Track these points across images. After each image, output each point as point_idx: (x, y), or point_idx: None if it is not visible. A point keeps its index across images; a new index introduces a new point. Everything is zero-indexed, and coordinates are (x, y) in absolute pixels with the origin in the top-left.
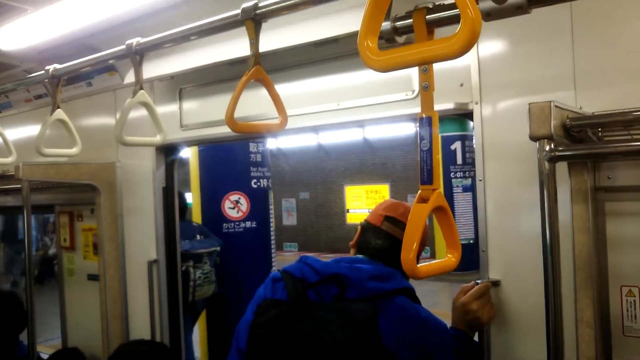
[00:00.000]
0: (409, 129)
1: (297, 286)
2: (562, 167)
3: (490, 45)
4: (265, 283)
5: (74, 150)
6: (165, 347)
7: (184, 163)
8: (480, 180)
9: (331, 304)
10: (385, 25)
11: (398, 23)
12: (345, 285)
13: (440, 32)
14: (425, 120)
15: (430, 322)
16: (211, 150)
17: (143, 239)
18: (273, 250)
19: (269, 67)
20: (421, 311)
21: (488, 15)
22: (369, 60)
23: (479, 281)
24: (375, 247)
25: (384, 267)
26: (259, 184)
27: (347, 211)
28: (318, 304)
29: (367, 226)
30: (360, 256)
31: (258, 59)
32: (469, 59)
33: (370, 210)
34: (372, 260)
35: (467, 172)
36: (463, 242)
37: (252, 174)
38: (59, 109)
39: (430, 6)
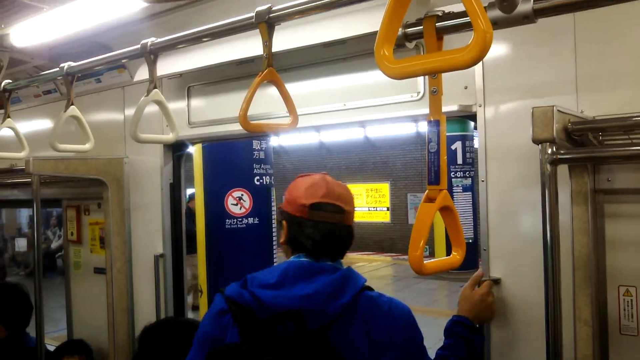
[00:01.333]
0: (410, 129)
1: (249, 322)
2: (562, 169)
3: (495, 49)
4: (209, 315)
5: (87, 147)
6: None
7: (188, 159)
8: (482, 180)
9: (301, 343)
10: None
11: (409, 30)
12: (303, 318)
13: (448, 38)
14: (433, 123)
15: (394, 312)
16: (215, 147)
17: (150, 234)
18: (275, 247)
19: (278, 67)
20: (383, 305)
21: (495, 24)
22: (385, 68)
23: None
24: (314, 241)
25: (333, 268)
26: (261, 181)
27: None
28: (282, 343)
29: (293, 220)
30: (304, 259)
31: (271, 60)
32: None
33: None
34: (317, 263)
35: (467, 172)
36: None
37: (255, 171)
38: (72, 106)
39: (440, 14)
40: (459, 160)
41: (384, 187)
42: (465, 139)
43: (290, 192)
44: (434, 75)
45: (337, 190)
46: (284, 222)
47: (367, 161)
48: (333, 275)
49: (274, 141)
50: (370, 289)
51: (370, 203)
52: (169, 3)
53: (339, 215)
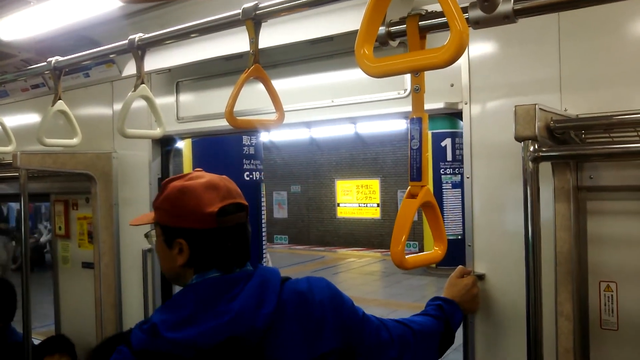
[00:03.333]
0: (400, 125)
1: None
2: (546, 167)
3: (481, 47)
4: None
5: (75, 141)
6: None
7: (177, 154)
8: (467, 177)
9: None
10: (380, 30)
11: (392, 28)
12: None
13: (432, 37)
14: (415, 121)
15: (315, 291)
16: (205, 142)
17: (138, 228)
18: (264, 243)
19: (265, 63)
20: (304, 289)
21: (477, 24)
22: (365, 67)
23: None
24: (228, 250)
25: (246, 275)
26: (251, 176)
27: (338, 205)
28: None
29: (197, 235)
30: (213, 275)
31: (257, 57)
32: (459, 60)
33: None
34: (229, 276)
35: (457, 169)
36: (451, 237)
37: (244, 166)
38: (60, 100)
39: (423, 13)
40: (449, 157)
41: (375, 184)
42: (455, 136)
43: (180, 203)
44: (416, 73)
45: (231, 187)
46: (180, 241)
47: (358, 157)
48: (250, 284)
49: (265, 137)
50: (287, 279)
51: (360, 199)
52: (146, 3)
53: (243, 213)
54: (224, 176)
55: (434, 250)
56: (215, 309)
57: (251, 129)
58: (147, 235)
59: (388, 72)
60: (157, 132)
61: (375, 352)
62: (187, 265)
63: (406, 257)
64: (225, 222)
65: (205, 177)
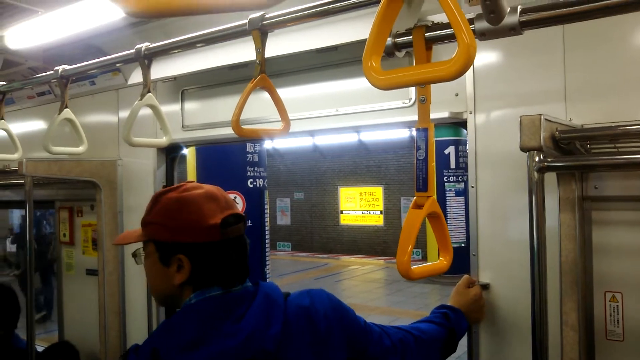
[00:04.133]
0: (404, 133)
1: None
2: (551, 176)
3: (485, 57)
4: None
5: (81, 149)
6: None
7: (182, 161)
8: (472, 186)
9: None
10: (386, 41)
11: (398, 40)
12: None
13: (441, 47)
14: (421, 131)
15: (317, 304)
16: (209, 149)
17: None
18: (267, 249)
19: (271, 72)
20: (307, 303)
21: (482, 35)
22: (372, 79)
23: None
24: (232, 264)
25: (249, 293)
26: (255, 183)
27: (341, 212)
28: None
29: (198, 250)
30: (215, 293)
31: (264, 67)
32: None
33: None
34: (232, 294)
35: (460, 177)
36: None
37: (248, 173)
38: (67, 109)
39: (429, 24)
40: (452, 165)
41: (378, 191)
42: (459, 144)
43: (181, 216)
44: (422, 84)
45: (228, 198)
46: (180, 257)
47: (361, 165)
48: (255, 303)
49: (268, 144)
50: (287, 294)
51: (363, 206)
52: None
53: (242, 224)
54: (219, 187)
55: (439, 261)
56: (222, 331)
57: (257, 139)
58: (135, 255)
59: (395, 85)
60: (164, 140)
61: (378, 359)
62: (186, 283)
63: (412, 267)
64: (227, 233)
65: (203, 187)
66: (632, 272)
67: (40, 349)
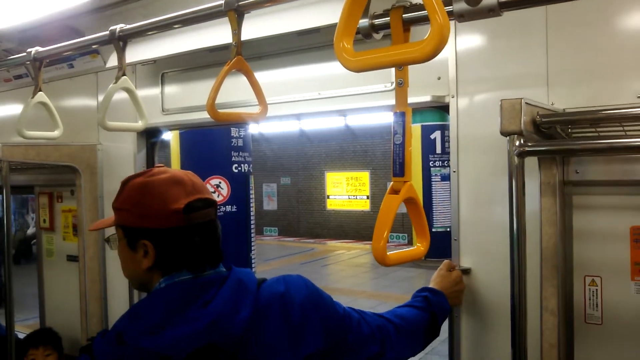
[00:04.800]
0: (390, 118)
1: None
2: (532, 161)
3: (468, 40)
4: None
5: (56, 133)
6: None
7: (165, 145)
8: (454, 171)
9: None
10: (363, 22)
11: (376, 21)
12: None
13: (419, 29)
14: (399, 115)
15: (292, 290)
16: (193, 134)
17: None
18: (253, 235)
19: (252, 55)
20: (282, 289)
21: (461, 17)
22: (344, 61)
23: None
24: (197, 249)
25: (219, 277)
26: (240, 168)
27: (328, 197)
28: None
29: (162, 235)
30: (185, 277)
31: (240, 49)
32: (446, 53)
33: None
34: (202, 278)
35: (446, 162)
36: (440, 229)
37: (233, 158)
38: (40, 92)
39: (407, 5)
40: (438, 150)
41: (364, 176)
42: (444, 129)
43: (142, 202)
44: (400, 67)
45: (197, 182)
46: (145, 243)
47: (348, 149)
48: (224, 288)
49: (254, 129)
50: (263, 280)
51: (350, 191)
52: None
53: (211, 209)
54: (189, 171)
55: (416, 247)
56: (187, 315)
57: (234, 122)
58: (107, 240)
59: (368, 67)
60: (139, 124)
61: (357, 347)
62: (153, 268)
63: (388, 253)
64: (192, 219)
65: (168, 172)
66: (612, 256)
67: (20, 335)
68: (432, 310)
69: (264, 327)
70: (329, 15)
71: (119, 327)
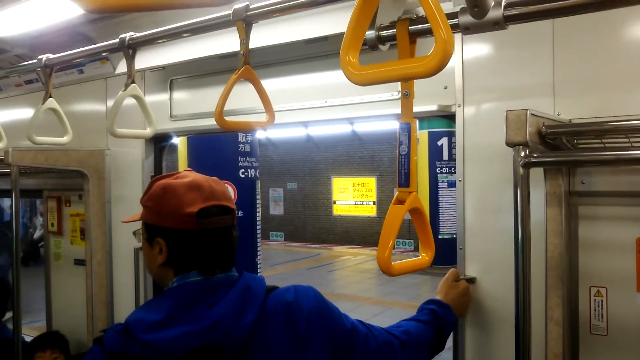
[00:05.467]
0: (396, 124)
1: None
2: (538, 171)
3: (474, 50)
4: None
5: (65, 139)
6: None
7: (173, 150)
8: (460, 180)
9: None
10: (370, 34)
11: (382, 32)
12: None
13: (426, 41)
14: (404, 126)
15: (302, 300)
16: (200, 139)
17: (130, 226)
18: (259, 239)
19: (259, 63)
20: (291, 299)
21: (466, 29)
22: (349, 75)
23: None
24: (207, 253)
25: (229, 281)
26: (246, 173)
27: (334, 202)
28: None
29: (175, 235)
30: (195, 278)
31: (248, 58)
32: (453, 63)
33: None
34: (212, 280)
35: (453, 168)
36: (446, 236)
37: (240, 163)
38: (50, 98)
39: (414, 17)
40: (445, 157)
41: (371, 182)
42: (452, 135)
43: (161, 202)
44: (399, 80)
45: (217, 188)
46: (159, 241)
47: (354, 155)
48: (232, 291)
49: (262, 134)
50: (273, 288)
51: (356, 197)
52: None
53: (228, 216)
54: (214, 178)
55: (421, 257)
56: (192, 315)
57: (241, 130)
58: (135, 233)
59: (373, 81)
60: (148, 131)
61: None
62: (166, 265)
63: (393, 263)
64: (205, 223)
65: (191, 176)
66: (617, 267)
67: (27, 338)
68: (439, 325)
69: (268, 333)
70: (337, 24)
71: (129, 319)
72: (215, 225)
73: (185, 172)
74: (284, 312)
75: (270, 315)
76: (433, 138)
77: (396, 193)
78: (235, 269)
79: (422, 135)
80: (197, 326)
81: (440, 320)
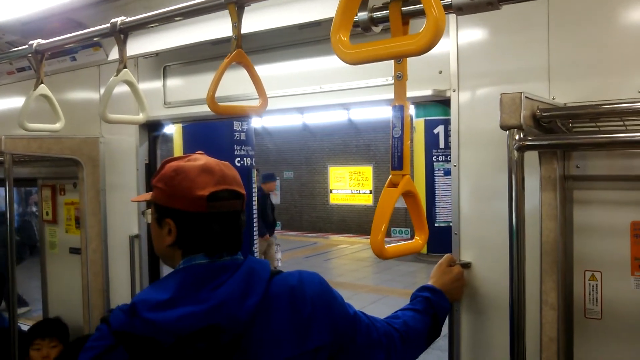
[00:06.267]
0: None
1: (151, 352)
2: (533, 155)
3: (469, 34)
4: (93, 354)
5: (57, 126)
6: None
7: (168, 139)
8: (455, 165)
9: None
10: (362, 15)
11: (375, 14)
12: (216, 335)
13: (415, 23)
14: (397, 109)
15: (306, 284)
16: (195, 127)
17: (125, 214)
18: (255, 229)
19: (253, 48)
20: (295, 282)
21: (460, 10)
22: (340, 54)
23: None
24: (216, 236)
25: (234, 264)
26: (242, 162)
27: (330, 192)
28: None
29: (185, 217)
30: (201, 260)
31: (240, 42)
32: (448, 47)
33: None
34: (218, 263)
35: (449, 156)
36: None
37: (236, 152)
38: (42, 84)
39: None
40: (441, 145)
41: (367, 170)
42: (448, 123)
43: (174, 183)
44: (398, 60)
45: (229, 173)
46: (169, 222)
47: (351, 144)
48: (237, 274)
49: (257, 122)
50: (278, 272)
51: (353, 186)
52: None
53: (237, 201)
54: (225, 162)
55: (415, 240)
56: (197, 295)
57: (234, 115)
58: (143, 213)
59: (364, 59)
60: (140, 117)
61: (364, 351)
62: (174, 245)
63: (386, 246)
64: (215, 207)
65: (202, 160)
66: (612, 251)
67: (24, 327)
68: (434, 313)
69: (271, 316)
70: (330, 8)
71: (136, 299)
72: (225, 209)
73: (197, 155)
74: (287, 295)
75: (274, 298)
76: (429, 126)
77: (389, 176)
78: (240, 253)
79: (418, 124)
80: (201, 307)
81: (435, 308)
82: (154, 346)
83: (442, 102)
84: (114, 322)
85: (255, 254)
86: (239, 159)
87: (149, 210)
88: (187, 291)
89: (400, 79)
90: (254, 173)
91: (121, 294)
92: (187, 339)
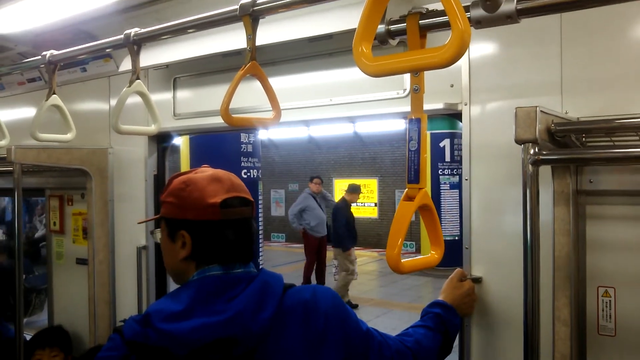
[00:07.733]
0: (399, 125)
1: None
2: (546, 170)
3: (481, 48)
4: None
5: (68, 137)
6: None
7: (175, 150)
8: (466, 179)
9: None
10: (380, 28)
11: (392, 27)
12: (230, 347)
13: (432, 36)
14: (414, 122)
15: (320, 300)
16: (202, 139)
17: (133, 225)
18: (261, 240)
19: (263, 60)
20: (309, 297)
21: (478, 23)
22: (362, 66)
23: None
24: (230, 244)
25: (248, 276)
26: (249, 174)
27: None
28: None
29: (199, 227)
30: (215, 272)
31: (254, 54)
32: (460, 61)
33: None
34: (231, 274)
35: (455, 170)
36: (448, 238)
37: (242, 164)
38: (54, 95)
39: (424, 11)
40: (447, 158)
41: (372, 183)
42: (454, 137)
43: (184, 195)
44: (415, 73)
45: (236, 181)
46: (183, 234)
47: (356, 156)
48: (251, 286)
49: (263, 135)
50: (291, 286)
51: (358, 198)
52: None
53: (247, 208)
54: (230, 172)
55: (430, 255)
56: (212, 307)
57: (247, 127)
58: (152, 232)
59: (387, 72)
60: (152, 128)
61: None
62: (188, 258)
63: (402, 261)
64: (228, 214)
65: (210, 170)
66: (626, 267)
67: (28, 337)
68: (446, 329)
69: (285, 329)
70: (342, 21)
71: (149, 310)
72: (237, 216)
73: (203, 168)
74: (301, 309)
75: (287, 312)
76: (435, 139)
77: (405, 190)
78: (252, 264)
79: None
80: (216, 318)
81: (446, 325)
82: (167, 357)
83: (449, 116)
84: (127, 332)
85: (261, 266)
86: (245, 170)
87: (158, 230)
88: (202, 302)
89: (417, 91)
90: (260, 185)
91: (128, 306)
92: (200, 351)
